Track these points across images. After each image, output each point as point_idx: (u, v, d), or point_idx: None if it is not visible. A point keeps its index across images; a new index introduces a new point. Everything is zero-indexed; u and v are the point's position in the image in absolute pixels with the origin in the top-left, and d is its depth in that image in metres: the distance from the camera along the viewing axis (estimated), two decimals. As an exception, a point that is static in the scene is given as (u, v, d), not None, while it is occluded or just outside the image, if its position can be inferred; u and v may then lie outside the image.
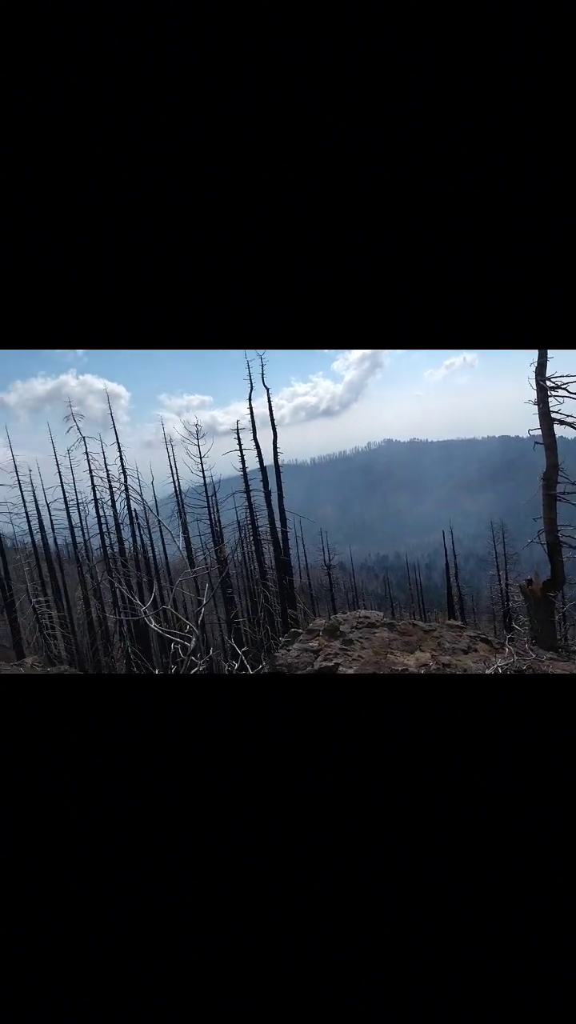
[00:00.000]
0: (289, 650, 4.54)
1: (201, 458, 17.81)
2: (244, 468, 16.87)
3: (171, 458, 19.09)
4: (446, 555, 23.33)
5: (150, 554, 19.89)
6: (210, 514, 18.40)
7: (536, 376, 7.44)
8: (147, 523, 18.97)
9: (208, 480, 18.08)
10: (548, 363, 7.37)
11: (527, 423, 7.76)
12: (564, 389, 7.21)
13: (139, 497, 17.87)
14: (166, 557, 21.07)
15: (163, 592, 16.45)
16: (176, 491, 19.23)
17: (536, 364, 7.47)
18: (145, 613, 2.99)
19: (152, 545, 19.80)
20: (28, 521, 18.90)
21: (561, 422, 7.30)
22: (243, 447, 16.62)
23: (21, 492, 18.65)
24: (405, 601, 31.80)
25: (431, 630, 4.80)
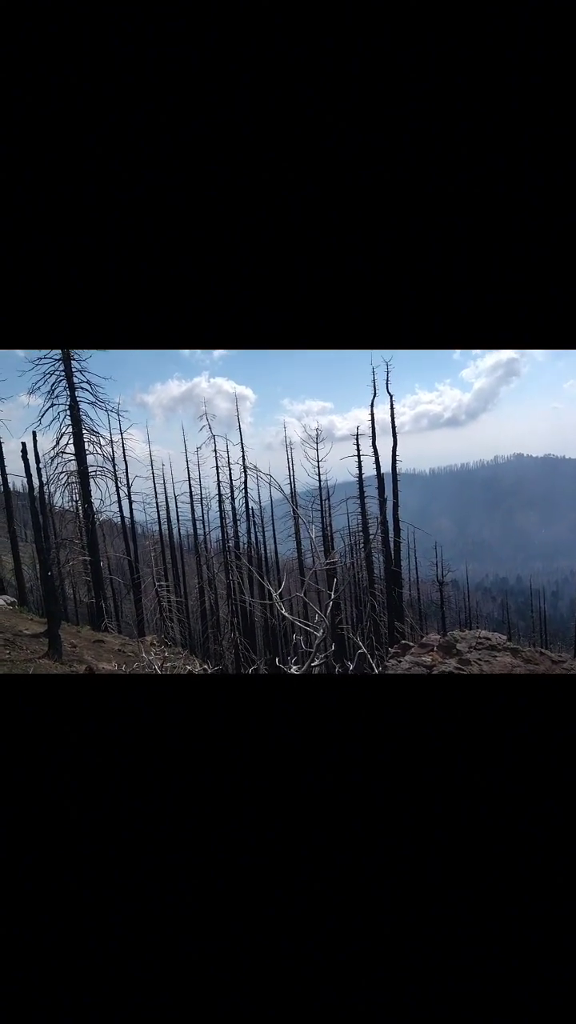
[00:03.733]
0: (400, 661, 4.37)
1: (319, 461, 18.04)
2: (360, 474, 16.76)
3: (289, 460, 19.60)
4: (578, 584, 21.02)
5: (262, 551, 20.60)
6: (323, 518, 18.56)
7: None
8: (261, 521, 19.67)
9: (323, 484, 18.25)
10: None
11: None
12: None
13: (269, 489, 18.60)
14: (276, 554, 21.68)
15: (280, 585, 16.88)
16: (292, 492, 19.69)
17: None
18: (278, 599, 3.05)
19: (264, 543, 20.49)
20: (158, 511, 20.64)
21: None
22: (361, 453, 16.52)
23: (154, 484, 20.42)
24: (525, 629, 29.21)
25: (561, 661, 4.31)
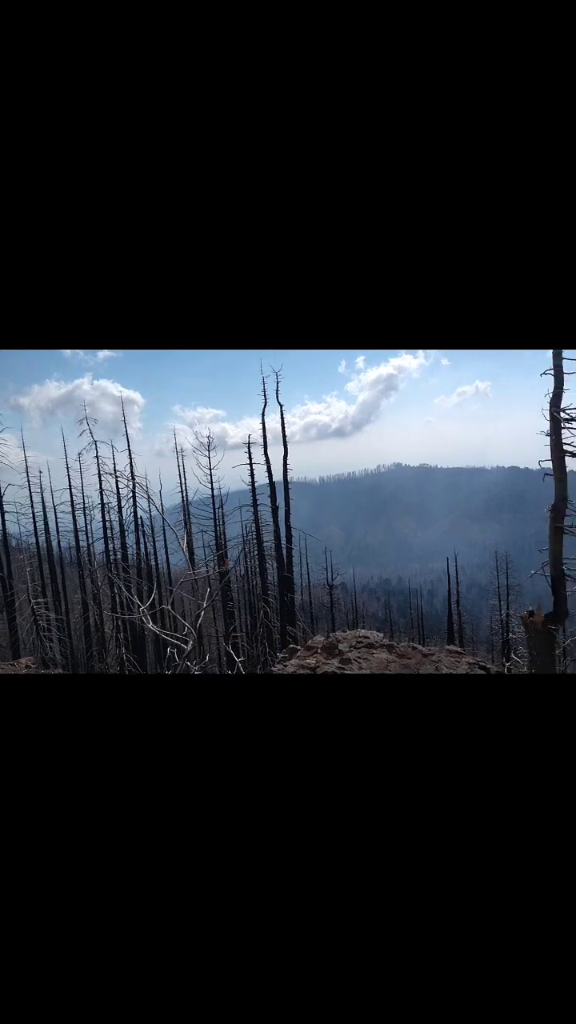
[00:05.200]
0: (286, 666, 4.50)
1: (211, 469, 17.89)
2: (253, 482, 16.92)
3: (180, 468, 19.20)
4: (449, 582, 23.14)
5: (152, 561, 19.87)
6: (215, 526, 18.41)
7: (551, 407, 7.45)
8: (151, 531, 19.00)
9: (216, 492, 18.14)
10: (564, 394, 7.39)
11: (537, 454, 7.75)
12: (577, 422, 7.22)
13: (147, 501, 17.94)
14: (168, 565, 21.05)
15: (163, 596, 16.39)
16: (183, 500, 19.29)
17: (551, 395, 7.49)
18: (143, 612, 2.98)
19: (156, 553, 19.80)
20: (35, 522, 18.98)
21: (573, 454, 7.29)
22: (253, 461, 16.69)
23: (30, 493, 18.77)
24: (405, 625, 31.47)
25: (430, 654, 4.74)
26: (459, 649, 5.78)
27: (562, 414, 7.22)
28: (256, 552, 17.49)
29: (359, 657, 4.54)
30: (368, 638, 5.01)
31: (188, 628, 2.92)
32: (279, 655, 5.71)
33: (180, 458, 19.13)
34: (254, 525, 17.18)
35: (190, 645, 2.84)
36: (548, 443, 7.46)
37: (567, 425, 7.18)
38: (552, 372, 7.30)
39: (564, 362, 7.14)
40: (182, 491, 19.29)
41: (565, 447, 7.28)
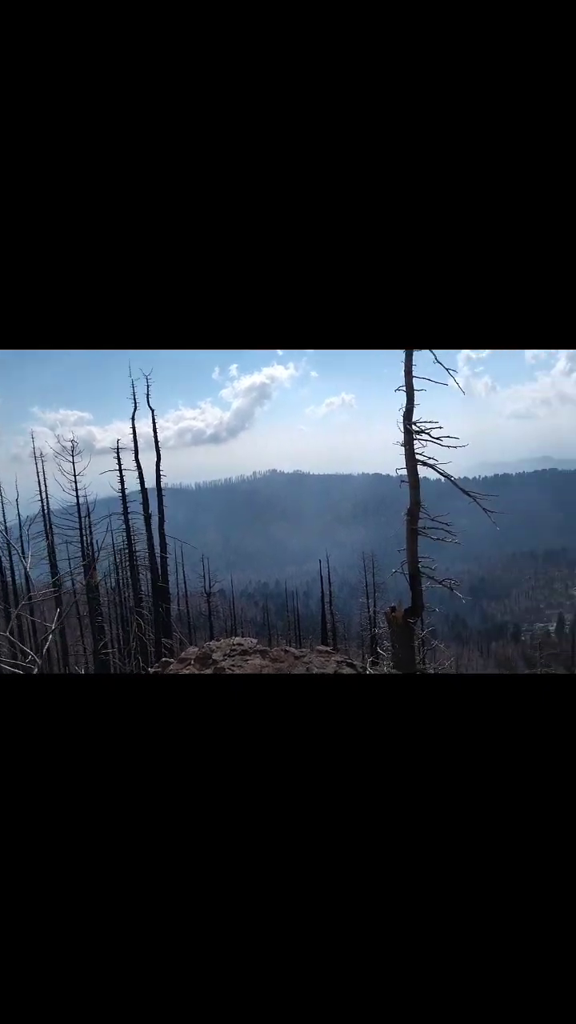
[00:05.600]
0: (157, 680, 4.32)
1: (76, 476, 16.67)
2: (123, 489, 16.11)
3: (40, 474, 17.59)
4: (322, 584, 24.25)
5: (8, 578, 17.92)
6: (82, 537, 17.17)
7: (404, 420, 8.21)
8: (7, 544, 17.12)
9: (82, 500, 16.93)
10: (415, 409, 8.19)
11: (395, 462, 8.49)
12: (427, 434, 8.05)
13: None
14: (28, 582, 19.13)
15: (10, 618, 14.84)
16: (44, 509, 17.69)
17: (404, 409, 8.26)
18: None
19: (12, 569, 17.88)
20: None
21: (423, 463, 8.10)
22: (123, 467, 15.89)
23: None
24: (283, 628, 32.27)
25: (301, 655, 4.91)
26: (328, 648, 6.07)
27: (413, 427, 7.99)
28: (128, 562, 16.66)
29: (233, 665, 4.53)
30: (242, 645, 5.03)
31: (32, 657, 2.65)
32: (151, 670, 5.48)
33: (40, 463, 17.53)
34: (125, 534, 16.35)
35: (36, 671, 2.58)
36: (403, 452, 8.21)
37: (417, 437, 7.96)
38: (404, 389, 8.06)
39: (414, 380, 7.92)
40: (42, 499, 17.69)
41: (417, 457, 8.07)
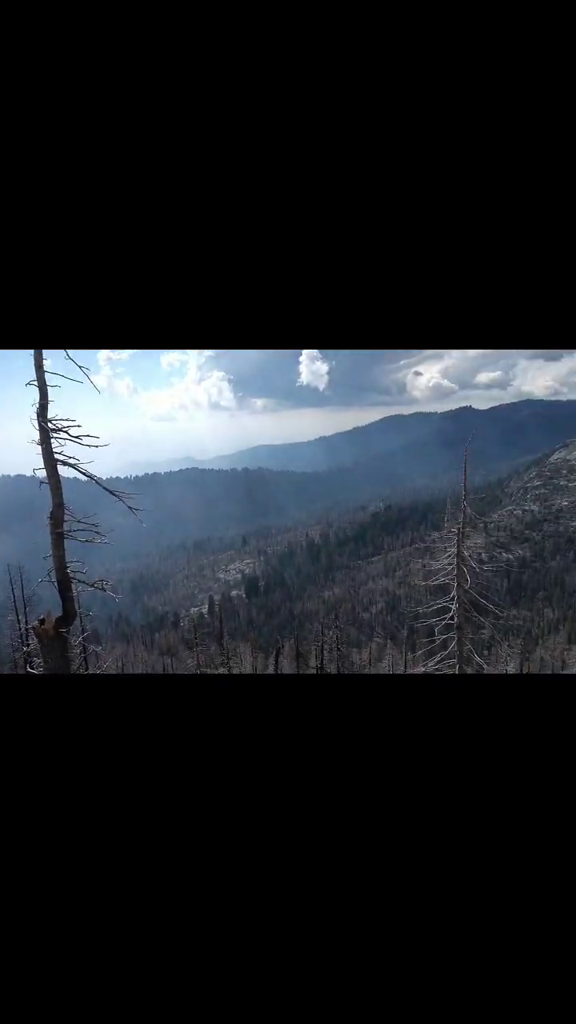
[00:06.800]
0: None
1: None
2: None
3: None
4: (-44, 608, 20.28)
5: None
6: None
7: (38, 417, 7.60)
8: None
9: None
10: (49, 405, 7.68)
11: (34, 462, 7.80)
12: (65, 432, 7.68)
13: None
14: None
15: None
16: None
17: (38, 405, 7.63)
18: None
19: None
20: None
21: (63, 463, 7.72)
22: None
23: None
24: None
25: None
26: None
27: (49, 424, 7.52)
28: None
29: None
30: None
31: None
32: None
33: None
34: None
35: None
36: (40, 451, 7.62)
37: (55, 435, 7.54)
38: (36, 383, 7.47)
39: (46, 375, 7.44)
40: None
41: (56, 456, 7.63)
